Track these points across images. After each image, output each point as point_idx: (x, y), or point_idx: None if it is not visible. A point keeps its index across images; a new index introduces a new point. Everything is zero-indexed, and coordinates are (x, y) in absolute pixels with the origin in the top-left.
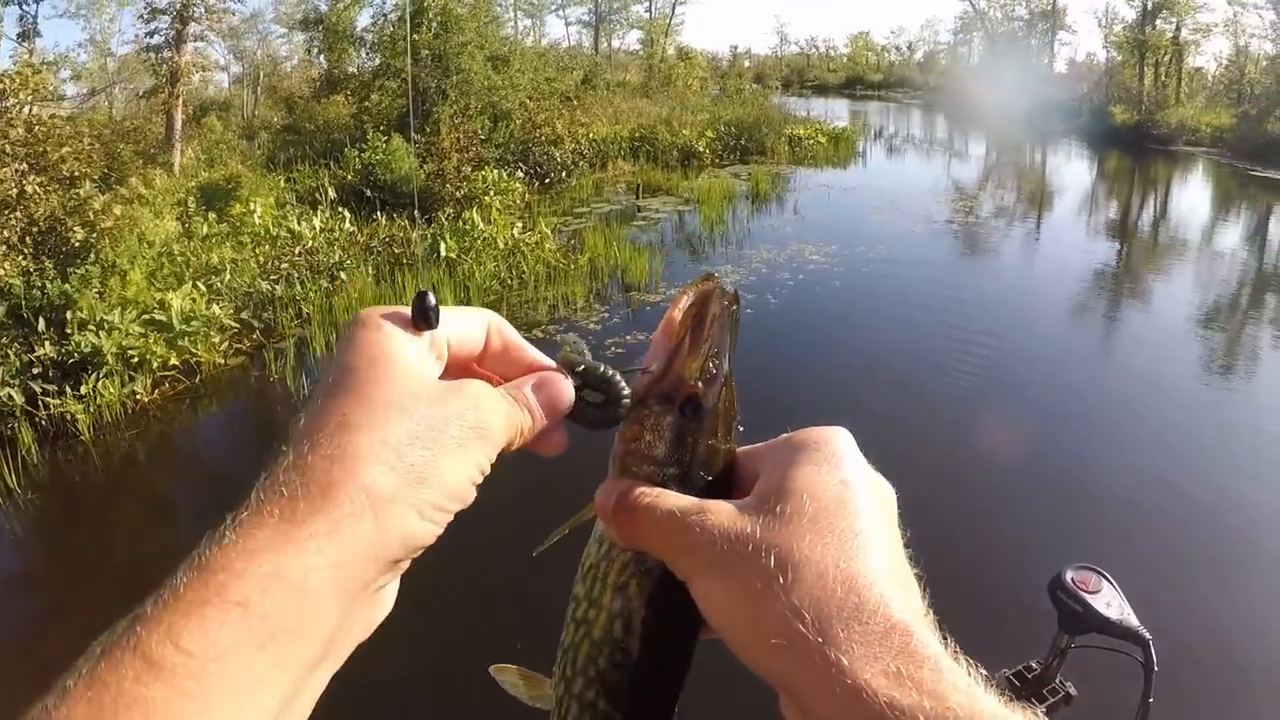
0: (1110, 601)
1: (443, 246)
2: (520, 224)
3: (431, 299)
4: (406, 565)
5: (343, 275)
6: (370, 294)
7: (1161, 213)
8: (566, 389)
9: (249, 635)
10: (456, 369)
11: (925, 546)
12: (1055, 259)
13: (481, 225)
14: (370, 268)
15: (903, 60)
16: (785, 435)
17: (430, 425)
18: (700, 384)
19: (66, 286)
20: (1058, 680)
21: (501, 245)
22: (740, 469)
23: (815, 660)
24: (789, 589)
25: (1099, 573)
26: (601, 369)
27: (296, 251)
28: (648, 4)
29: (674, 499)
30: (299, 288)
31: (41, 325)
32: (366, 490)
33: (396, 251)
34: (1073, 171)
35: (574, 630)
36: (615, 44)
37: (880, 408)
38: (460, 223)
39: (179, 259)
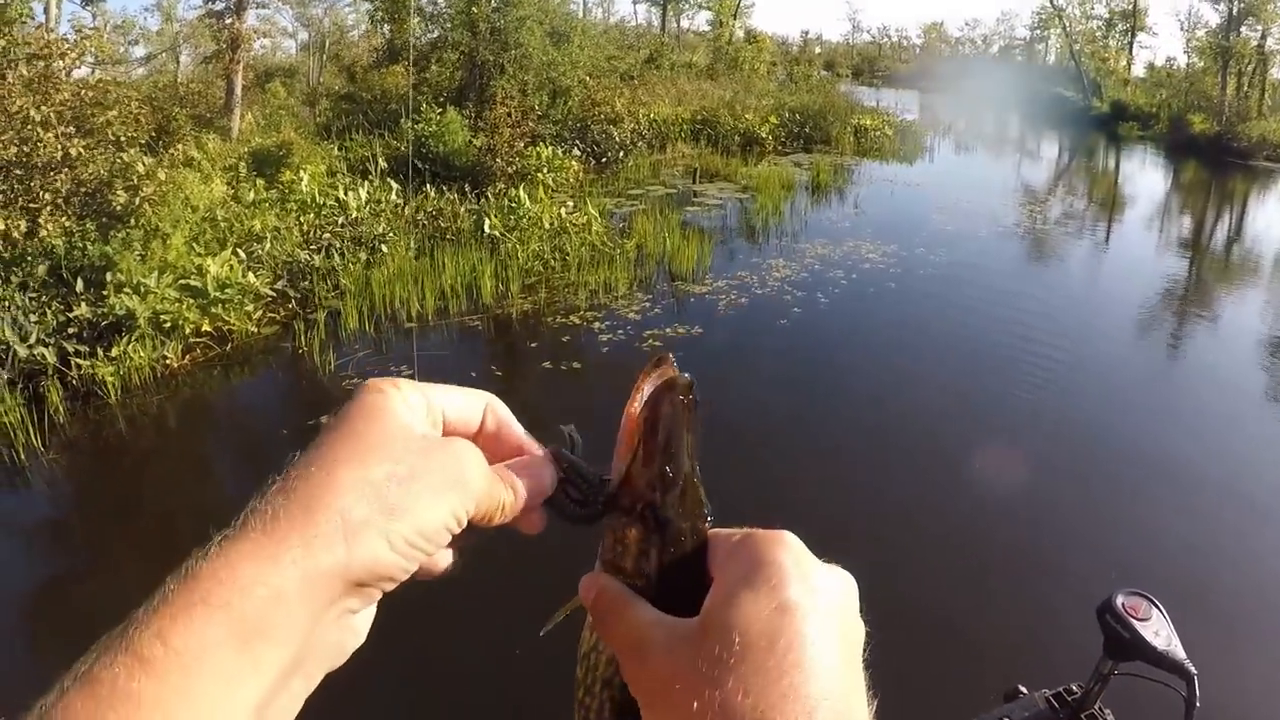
0: (1159, 631)
1: (487, 224)
2: (571, 203)
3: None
4: (376, 594)
5: (384, 248)
6: (409, 268)
7: (1236, 230)
8: (548, 476)
9: (230, 635)
10: None
11: (974, 557)
12: (1122, 272)
13: (528, 204)
14: (412, 241)
15: (977, 53)
16: (739, 539)
17: (411, 468)
18: (658, 494)
19: (107, 249)
20: (1097, 706)
21: (547, 225)
22: (711, 555)
23: None
24: None
25: (1150, 600)
26: (583, 469)
27: (339, 222)
28: None
29: (633, 611)
30: (338, 259)
31: (80, 286)
32: (342, 514)
33: (443, 226)
34: (1146, 180)
35: (579, 713)
36: (684, 24)
37: (929, 421)
38: (506, 200)
39: (222, 224)
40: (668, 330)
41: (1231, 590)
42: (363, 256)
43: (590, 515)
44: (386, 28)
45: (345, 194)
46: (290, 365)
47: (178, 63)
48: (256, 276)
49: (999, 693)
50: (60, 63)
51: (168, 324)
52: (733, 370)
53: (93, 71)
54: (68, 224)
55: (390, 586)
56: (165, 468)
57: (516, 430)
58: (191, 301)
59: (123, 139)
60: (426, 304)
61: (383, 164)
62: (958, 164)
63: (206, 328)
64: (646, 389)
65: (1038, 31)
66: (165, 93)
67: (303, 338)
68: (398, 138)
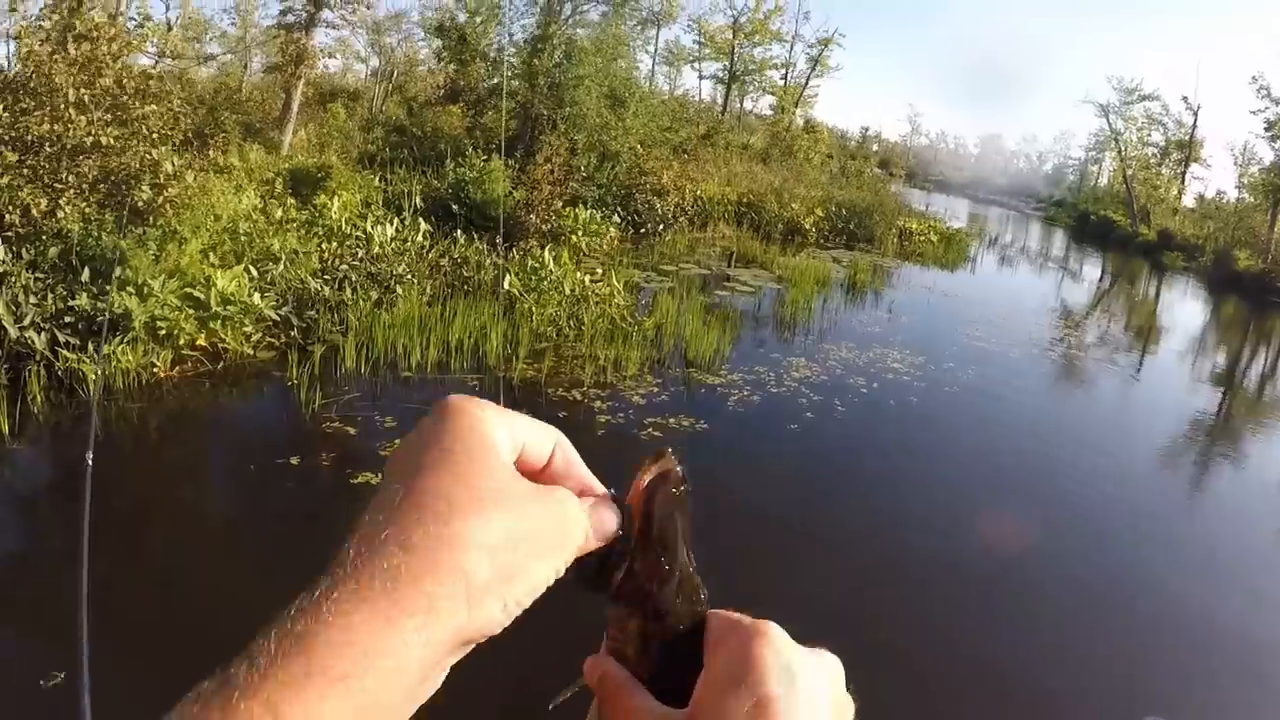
0: None
1: (507, 280)
2: (600, 271)
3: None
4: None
5: (398, 289)
6: (419, 314)
7: (1271, 370)
8: (613, 522)
9: (347, 709)
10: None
11: (992, 685)
12: (1152, 404)
13: (552, 265)
14: (428, 287)
15: (1030, 169)
16: (726, 629)
17: (527, 527)
18: (655, 585)
19: (122, 242)
20: None
21: (568, 291)
22: (705, 642)
23: None
24: None
25: None
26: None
27: (358, 255)
28: (784, 72)
29: (633, 700)
30: (349, 293)
31: (86, 275)
32: (467, 577)
33: (466, 275)
34: (1185, 311)
35: None
36: (749, 106)
37: (937, 546)
38: (530, 259)
39: (242, 239)
40: (671, 420)
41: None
42: (373, 295)
43: (600, 585)
44: (451, 67)
45: (373, 227)
46: (277, 396)
47: (245, 68)
48: (263, 298)
49: None
50: (107, 47)
51: (163, 331)
52: (733, 473)
53: (156, 64)
54: (88, 210)
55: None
56: (129, 477)
57: (582, 470)
58: (191, 312)
59: (155, 135)
60: (429, 354)
61: (419, 202)
62: (999, 277)
63: (201, 342)
64: (644, 482)
65: (1092, 153)
66: (222, 95)
67: (295, 369)
68: (440, 178)
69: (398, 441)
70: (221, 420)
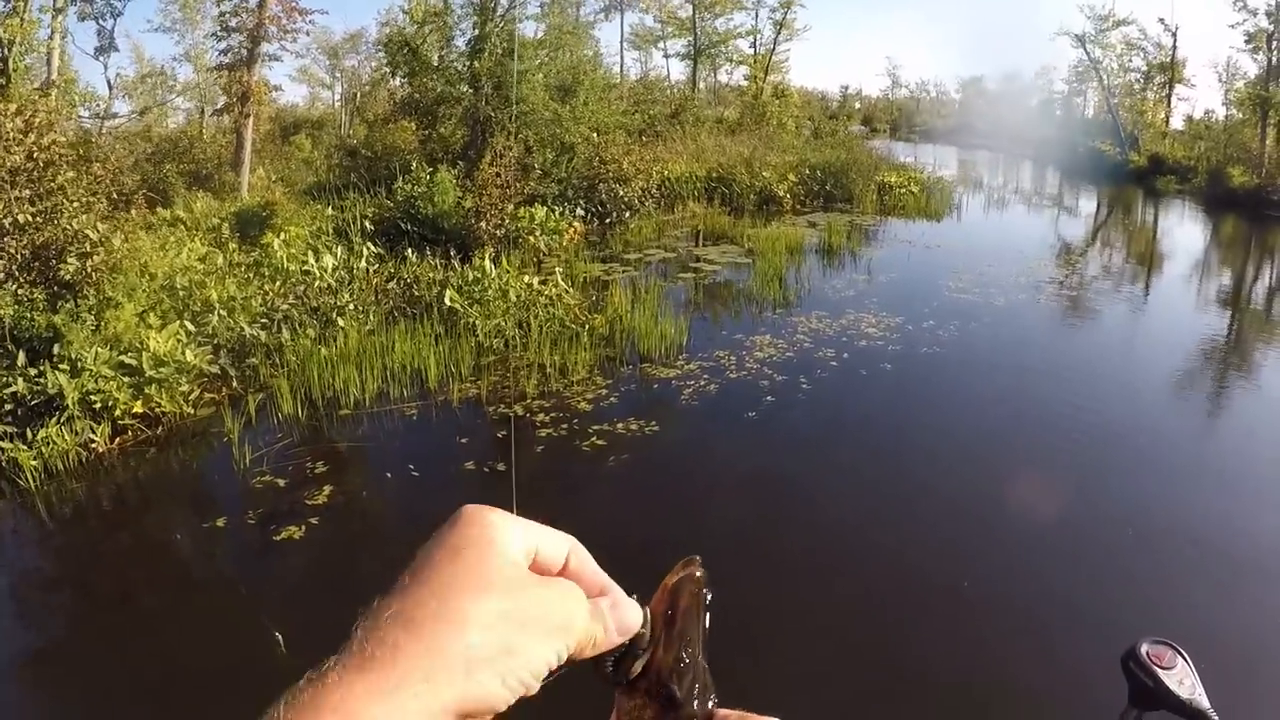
0: (1183, 680)
1: (448, 295)
2: (557, 270)
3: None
4: None
5: (340, 321)
6: (357, 346)
7: (1278, 285)
8: (638, 616)
9: None
10: None
11: (1000, 606)
12: (1153, 334)
13: (493, 273)
14: (371, 314)
15: (1014, 109)
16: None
17: (529, 609)
18: (674, 678)
19: (56, 319)
20: None
21: (514, 298)
22: None
23: None
24: None
25: (1174, 649)
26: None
27: (299, 290)
28: (753, 40)
29: None
30: (286, 334)
31: (21, 359)
32: (466, 650)
33: (416, 295)
34: (1185, 234)
35: None
36: (724, 79)
37: (911, 533)
38: (469, 270)
39: (181, 293)
40: (619, 425)
41: (1256, 644)
42: (311, 333)
43: (619, 679)
44: (406, 82)
45: (314, 260)
46: (212, 455)
47: (202, 114)
48: (196, 352)
49: None
50: (10, 124)
51: (98, 405)
52: (683, 478)
53: (100, 125)
54: (20, 292)
55: (488, 716)
56: (72, 562)
57: (596, 571)
58: (124, 380)
59: (76, 204)
60: (369, 387)
61: (368, 225)
62: (988, 222)
63: (138, 409)
64: (671, 582)
65: (1075, 85)
66: (165, 147)
67: (230, 423)
68: (391, 196)
69: (326, 489)
70: (156, 489)
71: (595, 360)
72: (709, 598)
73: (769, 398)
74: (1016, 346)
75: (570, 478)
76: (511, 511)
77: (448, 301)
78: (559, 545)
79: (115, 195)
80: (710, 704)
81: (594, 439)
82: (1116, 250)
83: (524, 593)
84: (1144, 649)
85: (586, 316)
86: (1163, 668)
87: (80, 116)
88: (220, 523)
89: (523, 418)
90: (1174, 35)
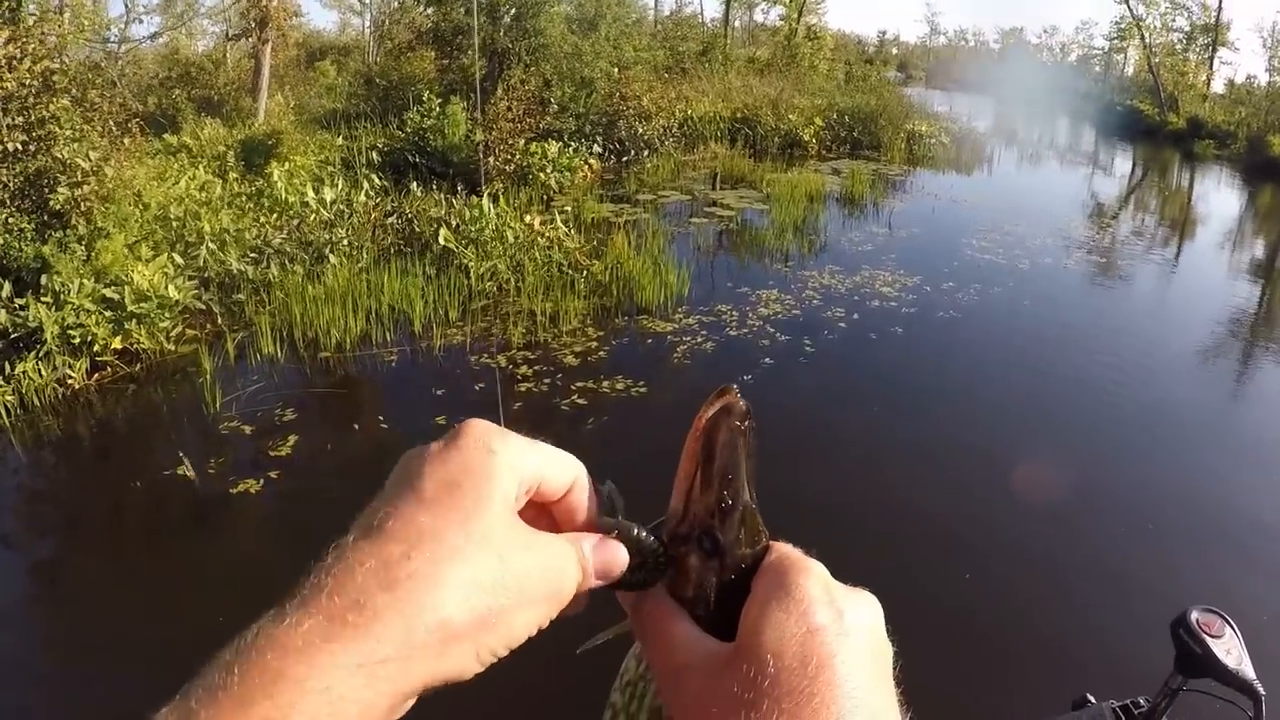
0: (1230, 649)
1: (441, 235)
2: (568, 208)
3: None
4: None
5: (332, 258)
6: (350, 286)
7: None
8: (622, 559)
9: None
10: (532, 506)
11: (1052, 570)
12: (1185, 305)
13: (491, 212)
14: (365, 252)
15: (1054, 62)
16: (771, 562)
17: (516, 576)
18: (717, 520)
19: (44, 249)
20: None
21: (512, 239)
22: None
23: None
24: None
25: (1223, 618)
26: (636, 533)
27: (295, 224)
28: None
29: (679, 630)
30: (275, 270)
31: (7, 290)
32: (443, 624)
33: (418, 231)
34: (1221, 201)
35: None
36: (759, 19)
37: (924, 510)
38: (467, 208)
39: (174, 224)
40: (604, 384)
41: None
42: (299, 270)
43: (646, 580)
44: (430, 9)
45: (313, 192)
46: (186, 396)
47: (227, 37)
48: (181, 288)
49: (1067, 700)
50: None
51: (76, 340)
52: (664, 445)
53: (90, 53)
54: (10, 221)
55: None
56: (28, 505)
57: (590, 505)
58: (105, 315)
59: (69, 132)
60: (353, 328)
61: (375, 157)
62: (1019, 177)
63: (117, 345)
64: (706, 416)
65: (1116, 41)
66: (176, 72)
67: (205, 364)
68: (403, 128)
69: (291, 440)
70: (125, 431)
71: (589, 309)
72: (752, 430)
73: (768, 359)
74: (1038, 316)
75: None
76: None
77: (441, 241)
78: (565, 471)
79: (114, 124)
80: (763, 548)
81: (575, 397)
82: (1149, 214)
83: (514, 555)
84: (1194, 617)
85: (586, 262)
86: (1211, 636)
87: (89, 41)
88: (180, 471)
89: (505, 369)
90: None
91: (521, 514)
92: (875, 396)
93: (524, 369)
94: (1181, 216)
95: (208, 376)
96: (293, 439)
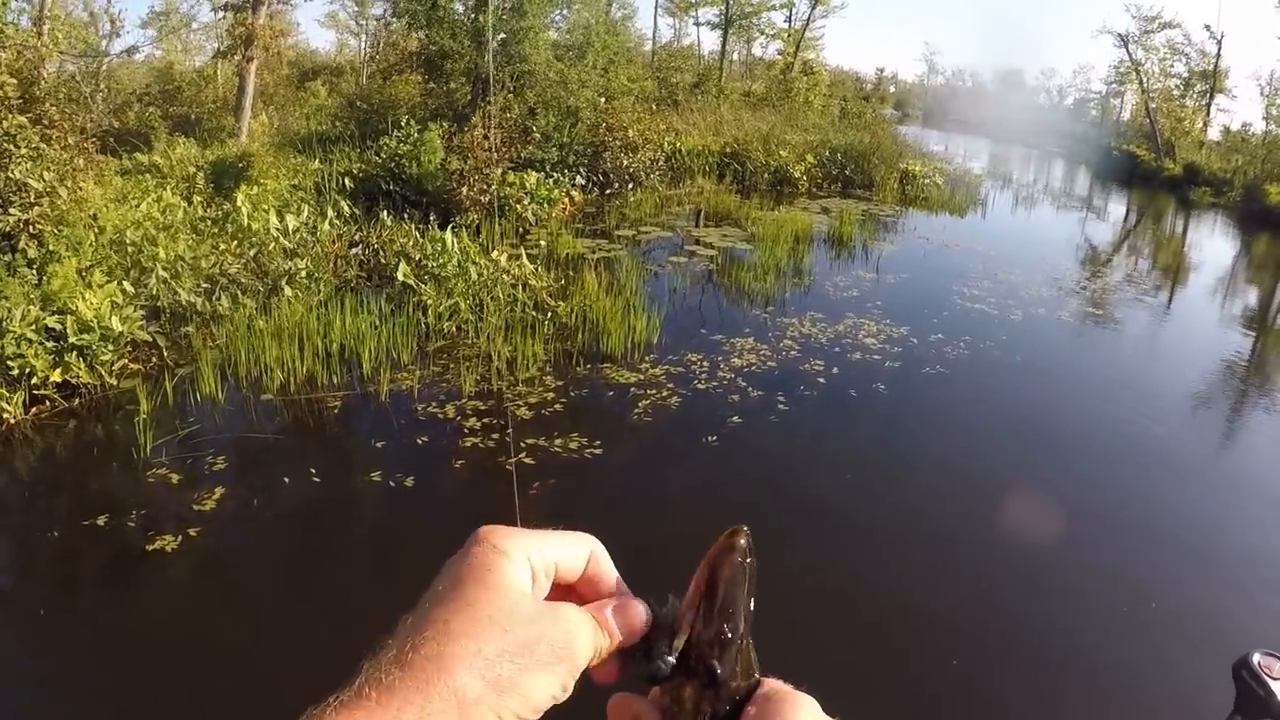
0: None
1: (400, 270)
2: (542, 243)
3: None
4: None
5: (286, 290)
6: (302, 321)
7: None
8: (642, 614)
9: None
10: (558, 589)
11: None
12: (1182, 361)
13: (453, 246)
14: (324, 286)
15: (1051, 105)
16: (763, 701)
17: (523, 643)
18: (716, 653)
19: None
20: None
21: (475, 275)
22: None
23: None
24: None
25: None
26: (656, 605)
27: (252, 254)
28: (788, 13)
29: None
30: (225, 302)
31: None
32: (456, 692)
33: (384, 263)
34: (1215, 249)
35: None
36: (758, 52)
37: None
38: (427, 241)
39: (130, 250)
40: (556, 442)
41: None
42: (249, 302)
43: (660, 672)
44: (406, 27)
45: (276, 219)
46: (119, 437)
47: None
48: (126, 319)
49: None
50: None
51: (14, 371)
52: (615, 515)
53: (63, 67)
54: None
55: None
56: None
57: (612, 574)
58: (46, 346)
59: (25, 150)
60: (300, 368)
61: (348, 183)
62: (1013, 221)
63: (56, 378)
64: (712, 554)
65: (1113, 86)
66: (156, 88)
67: (143, 403)
68: (378, 153)
69: (218, 492)
70: (50, 473)
71: (550, 355)
72: (754, 569)
73: (736, 418)
74: (1031, 374)
75: (472, 503)
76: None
77: (400, 276)
78: (578, 552)
79: (71, 141)
80: (754, 682)
81: (523, 456)
82: (1144, 260)
83: (522, 626)
84: (1256, 659)
85: (551, 303)
86: (1273, 678)
87: (64, 55)
88: (101, 521)
89: (451, 420)
90: (1219, 43)
91: (550, 598)
92: (853, 462)
93: (472, 421)
94: (1176, 264)
95: (143, 417)
96: (219, 491)
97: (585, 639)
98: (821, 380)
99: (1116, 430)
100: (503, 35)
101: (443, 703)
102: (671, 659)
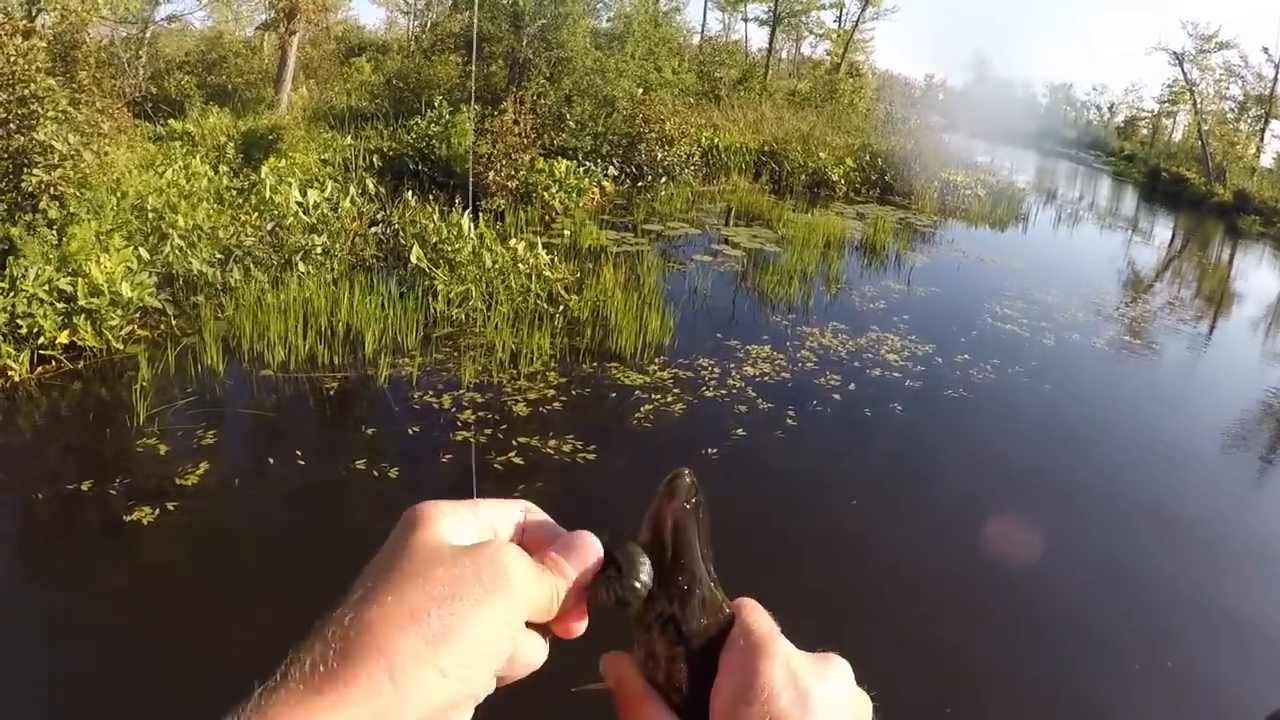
0: None
1: (413, 253)
2: (567, 233)
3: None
4: (457, 716)
5: (300, 266)
6: (312, 298)
7: None
8: (592, 545)
9: None
10: None
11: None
12: (1225, 399)
13: (469, 232)
14: (338, 263)
15: (1101, 121)
16: (736, 647)
17: (447, 585)
18: (678, 607)
19: (13, 231)
20: None
21: (489, 263)
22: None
23: None
24: None
25: None
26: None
27: (270, 227)
28: (838, 14)
29: (648, 714)
30: (237, 274)
31: None
32: (382, 654)
33: (403, 243)
34: (1262, 281)
35: None
36: (807, 51)
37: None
38: (445, 226)
39: (151, 216)
40: (550, 443)
41: None
42: (260, 276)
43: (632, 594)
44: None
45: (299, 193)
46: (118, 403)
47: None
48: (136, 285)
49: None
50: None
51: (23, 330)
52: (603, 523)
53: (112, 29)
54: None
55: (470, 706)
56: None
57: (553, 526)
58: (55, 307)
59: (53, 113)
60: (301, 346)
61: (376, 161)
62: (1054, 238)
63: (63, 340)
64: (655, 502)
65: (1166, 105)
66: (195, 57)
67: (144, 370)
68: (409, 133)
69: (203, 467)
70: (47, 434)
71: (557, 350)
72: (702, 506)
73: (740, 430)
74: (1059, 405)
75: (453, 499)
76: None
77: (412, 259)
78: (509, 514)
79: (99, 107)
80: (724, 611)
81: (512, 455)
82: (1187, 288)
83: (441, 571)
84: None
85: (565, 296)
86: None
87: (104, 20)
88: (85, 486)
89: (447, 411)
90: (1277, 67)
91: None
92: (859, 487)
93: (467, 413)
94: (1220, 293)
95: (142, 384)
96: (204, 467)
97: (516, 565)
98: (836, 396)
99: (1146, 478)
100: (542, 21)
101: (369, 669)
102: (644, 577)
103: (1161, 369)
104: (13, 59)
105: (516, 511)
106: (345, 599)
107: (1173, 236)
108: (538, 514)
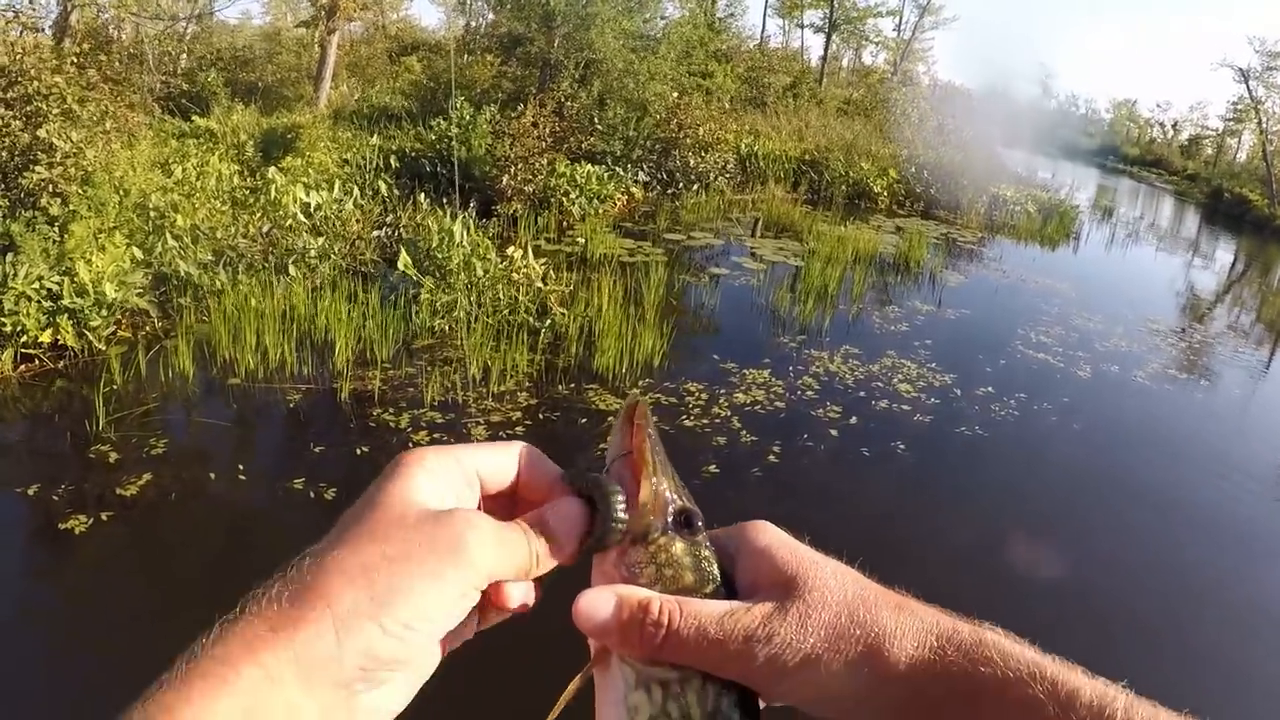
0: None
1: (400, 260)
2: (581, 240)
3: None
4: (394, 678)
5: (290, 269)
6: (292, 305)
7: None
8: (576, 515)
9: (235, 712)
10: (495, 502)
11: None
12: (1268, 450)
13: (462, 240)
14: (329, 268)
15: (1165, 139)
16: (726, 531)
17: (404, 548)
18: (681, 497)
19: (13, 227)
20: None
21: (481, 273)
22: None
23: (982, 670)
24: (899, 639)
25: None
26: (594, 478)
27: (266, 229)
28: (897, 21)
29: (704, 608)
30: (224, 276)
31: None
32: (330, 603)
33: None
34: None
35: None
36: (868, 60)
37: None
38: (436, 232)
39: (152, 214)
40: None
41: None
42: (245, 279)
43: (611, 536)
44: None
45: (302, 194)
46: (80, 405)
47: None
48: (121, 286)
49: None
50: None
51: (8, 328)
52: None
53: (136, 28)
54: None
55: (406, 668)
56: None
57: (553, 472)
58: (39, 306)
59: (57, 110)
60: (273, 354)
61: (393, 161)
62: (1106, 259)
63: (45, 339)
64: (622, 430)
65: (1230, 123)
66: (227, 54)
67: (117, 373)
68: (431, 132)
69: (145, 477)
70: (14, 434)
71: (535, 368)
72: (650, 433)
73: (713, 467)
74: (1088, 449)
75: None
76: None
77: (399, 266)
78: (506, 456)
79: (107, 104)
80: (701, 536)
81: None
82: (1244, 316)
83: (399, 532)
84: None
85: (556, 309)
86: None
87: (134, 16)
88: (31, 490)
89: (402, 431)
90: None
91: (494, 510)
92: (842, 542)
93: (422, 435)
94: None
95: (109, 388)
96: (146, 478)
97: (479, 539)
98: (833, 431)
99: (1185, 543)
100: (573, 22)
101: (317, 614)
102: (621, 514)
103: (1211, 408)
104: (18, 56)
105: (510, 458)
106: (315, 546)
107: (1234, 260)
108: (534, 459)
